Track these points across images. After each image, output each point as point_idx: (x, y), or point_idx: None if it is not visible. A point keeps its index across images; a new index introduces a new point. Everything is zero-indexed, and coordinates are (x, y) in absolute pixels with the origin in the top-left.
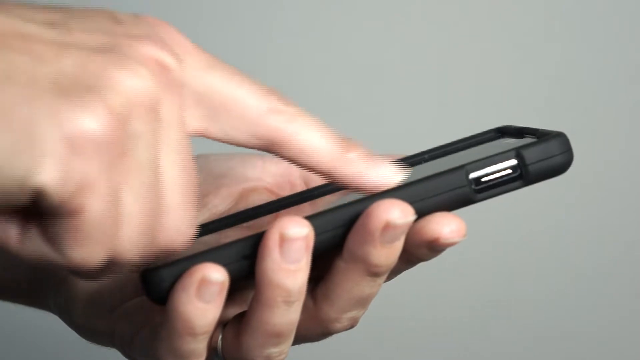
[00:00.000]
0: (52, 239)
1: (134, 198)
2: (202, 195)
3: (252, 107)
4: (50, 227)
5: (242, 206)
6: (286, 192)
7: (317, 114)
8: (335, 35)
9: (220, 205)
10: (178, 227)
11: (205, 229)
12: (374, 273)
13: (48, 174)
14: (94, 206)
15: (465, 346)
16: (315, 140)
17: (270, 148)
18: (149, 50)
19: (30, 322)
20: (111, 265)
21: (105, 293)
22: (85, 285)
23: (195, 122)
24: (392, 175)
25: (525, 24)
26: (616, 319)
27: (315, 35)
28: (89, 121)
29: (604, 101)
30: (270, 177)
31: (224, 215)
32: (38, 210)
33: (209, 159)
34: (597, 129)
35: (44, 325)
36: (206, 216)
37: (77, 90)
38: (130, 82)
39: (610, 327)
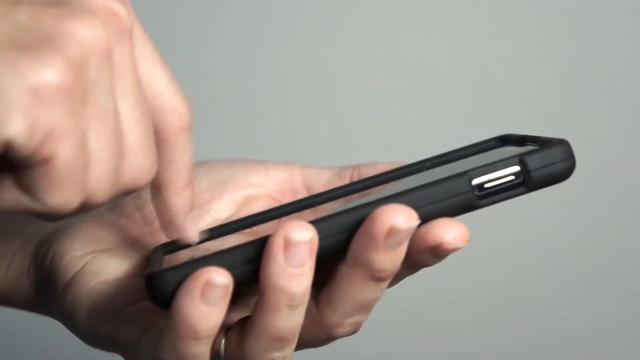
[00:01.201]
0: (27, 187)
1: (99, 141)
2: (205, 202)
3: (163, 98)
4: (24, 176)
5: (245, 212)
6: (288, 199)
7: (319, 122)
8: (337, 40)
9: (223, 211)
10: (142, 165)
11: (208, 235)
12: (377, 278)
13: (15, 126)
14: (63, 152)
15: (465, 346)
16: (179, 160)
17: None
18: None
19: (31, 325)
20: (83, 206)
21: (109, 298)
22: (87, 292)
23: None
24: (189, 234)
25: (530, 30)
26: (616, 319)
27: (316, 41)
28: (49, 72)
29: (607, 105)
30: (273, 183)
31: (226, 222)
32: (10, 162)
33: (211, 165)
34: (599, 133)
35: (45, 328)
36: (209, 222)
37: (33, 43)
38: (84, 32)
39: (610, 327)
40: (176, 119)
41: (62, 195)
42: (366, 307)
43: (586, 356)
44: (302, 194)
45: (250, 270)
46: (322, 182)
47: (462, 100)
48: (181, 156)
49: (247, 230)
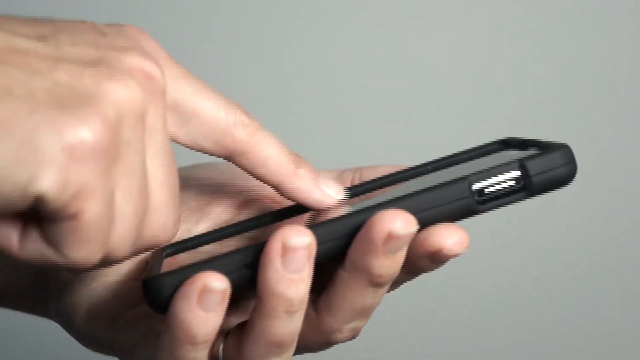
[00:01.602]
0: (52, 241)
1: (126, 199)
2: (204, 204)
3: (220, 118)
4: (51, 230)
5: (244, 215)
6: (288, 202)
7: (319, 123)
8: (337, 40)
9: (222, 214)
10: (164, 223)
11: (207, 238)
12: (376, 283)
13: (49, 181)
14: (91, 209)
15: (465, 347)
16: (272, 154)
17: (231, 157)
18: (135, 61)
19: (30, 325)
20: (104, 261)
21: (107, 302)
22: (86, 294)
23: (169, 127)
24: (335, 194)
25: (530, 30)
26: (616, 319)
27: (316, 41)
28: (86, 131)
29: (607, 105)
30: None
31: (225, 225)
32: (38, 215)
33: (211, 167)
34: (599, 133)
35: (44, 329)
36: (208, 225)
37: (72, 101)
38: (121, 93)
39: (610, 327)
40: (242, 130)
41: (85, 251)
42: (365, 313)
43: (586, 356)
44: None
45: (248, 275)
46: None
47: (463, 101)
48: (269, 151)
49: (247, 234)
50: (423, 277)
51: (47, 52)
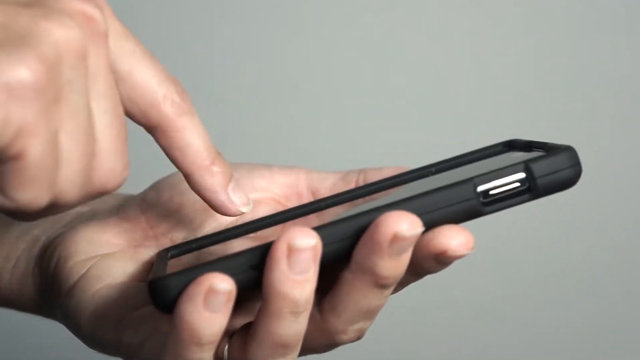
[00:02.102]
0: None
1: (70, 141)
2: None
3: (151, 88)
4: None
5: (249, 217)
6: (293, 203)
7: (323, 125)
8: (340, 42)
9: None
10: (112, 169)
11: (212, 239)
12: (381, 285)
13: None
14: (34, 148)
15: (464, 347)
16: (192, 142)
17: (152, 131)
18: (74, 2)
19: (33, 326)
20: (52, 206)
21: (112, 303)
22: (91, 296)
23: None
24: (240, 203)
25: (532, 30)
26: (616, 319)
27: (319, 43)
28: (23, 70)
29: (608, 105)
30: (278, 187)
31: (231, 226)
32: None
33: None
34: (600, 133)
35: (48, 329)
36: (213, 226)
37: (8, 41)
38: (59, 32)
39: (610, 327)
40: (170, 105)
41: (30, 192)
42: (370, 314)
43: (586, 356)
44: (307, 199)
45: (253, 276)
46: (328, 186)
47: (466, 101)
48: (191, 138)
49: (252, 235)
50: (428, 278)
51: None
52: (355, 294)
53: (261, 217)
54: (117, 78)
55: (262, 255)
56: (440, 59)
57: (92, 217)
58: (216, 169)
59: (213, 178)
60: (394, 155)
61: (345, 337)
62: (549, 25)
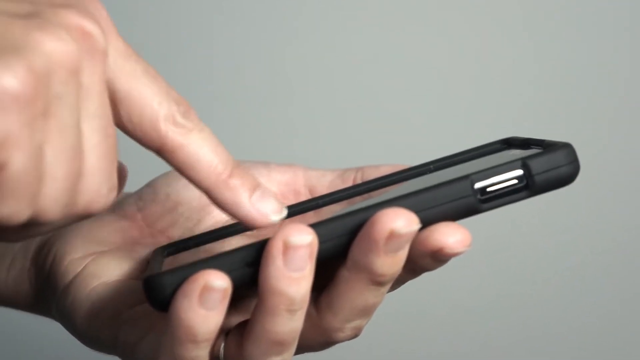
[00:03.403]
0: None
1: (56, 157)
2: (206, 203)
3: (150, 109)
4: None
5: None
6: (291, 201)
7: (322, 123)
8: (339, 41)
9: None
10: (98, 190)
11: (209, 237)
12: (377, 282)
13: None
14: (17, 160)
15: (463, 347)
16: (202, 158)
17: (159, 152)
18: (72, 17)
19: (30, 325)
20: (32, 224)
21: (108, 301)
22: (87, 294)
23: None
24: (270, 213)
25: (532, 30)
26: (616, 319)
27: (318, 41)
28: (10, 78)
29: (608, 105)
30: (276, 185)
31: (227, 224)
32: None
33: None
34: (600, 133)
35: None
36: (210, 224)
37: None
38: (51, 44)
39: (610, 327)
40: (171, 125)
41: (10, 206)
42: (367, 312)
43: (586, 356)
44: (304, 196)
45: (249, 273)
46: (325, 184)
47: (464, 100)
48: (199, 154)
49: (249, 233)
50: (425, 275)
51: None
52: (352, 292)
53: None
54: (116, 98)
55: (258, 253)
56: (439, 59)
57: None
58: (234, 181)
59: (232, 192)
60: (391, 154)
61: (342, 334)
62: (548, 25)
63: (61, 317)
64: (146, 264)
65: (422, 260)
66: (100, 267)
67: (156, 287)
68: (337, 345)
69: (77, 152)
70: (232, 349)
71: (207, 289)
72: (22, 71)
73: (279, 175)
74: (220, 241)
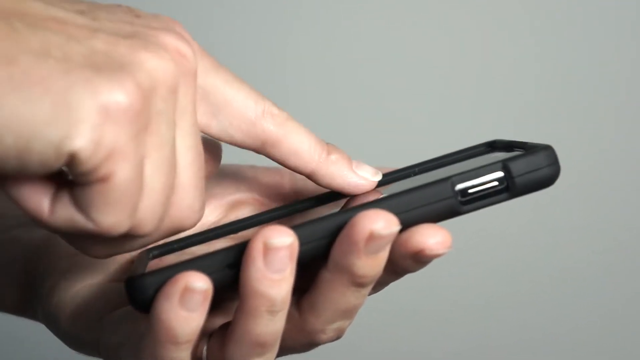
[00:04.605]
0: (82, 205)
1: (155, 171)
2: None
3: (250, 109)
4: (82, 193)
5: (232, 217)
6: (277, 204)
7: (321, 125)
8: (338, 41)
9: (210, 216)
10: (190, 205)
11: (194, 240)
12: (358, 284)
13: (82, 140)
14: (122, 172)
15: (462, 347)
16: (302, 143)
17: (262, 148)
18: (169, 39)
19: (31, 326)
20: (129, 236)
21: (91, 303)
22: (71, 295)
23: (199, 116)
24: (370, 176)
25: (531, 31)
26: (615, 319)
27: (315, 41)
28: (120, 93)
29: (607, 106)
30: (262, 188)
31: (212, 227)
32: (70, 178)
33: None
34: (600, 134)
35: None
36: (196, 227)
37: (108, 66)
38: (155, 63)
39: (609, 327)
40: (271, 118)
41: (113, 216)
42: (349, 313)
43: (585, 356)
44: (290, 199)
45: (230, 275)
46: (311, 187)
47: (462, 101)
48: (300, 140)
49: (233, 236)
50: (410, 276)
51: (85, 23)
52: (334, 293)
53: (244, 217)
54: (212, 110)
55: (238, 254)
56: (436, 58)
57: None
58: (334, 156)
59: (336, 166)
60: (392, 154)
61: (324, 336)
62: (550, 25)
63: (46, 320)
64: (130, 265)
65: (403, 262)
66: (85, 269)
67: (138, 288)
68: (320, 347)
69: (173, 167)
70: (215, 351)
71: (188, 291)
72: (131, 87)
73: (266, 178)
74: (206, 244)
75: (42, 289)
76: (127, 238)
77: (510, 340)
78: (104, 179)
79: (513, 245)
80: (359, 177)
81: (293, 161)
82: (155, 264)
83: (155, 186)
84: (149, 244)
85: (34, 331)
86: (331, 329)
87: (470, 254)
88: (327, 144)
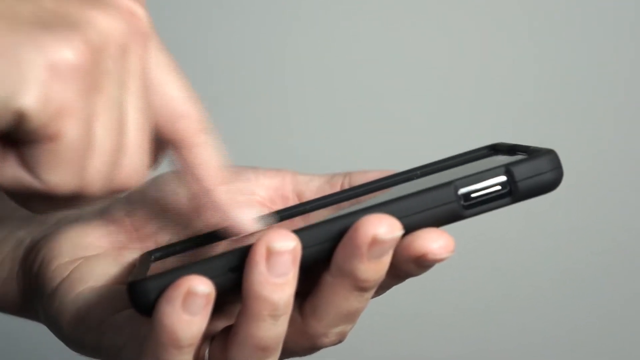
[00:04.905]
0: (29, 164)
1: (103, 130)
2: (195, 207)
3: (181, 103)
4: (29, 152)
5: None
6: (279, 206)
7: (319, 126)
8: (337, 42)
9: (212, 218)
10: (136, 166)
11: (197, 242)
12: (361, 288)
13: (30, 97)
14: (70, 131)
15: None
16: (207, 161)
17: (174, 144)
18: (123, 0)
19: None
20: (75, 196)
21: (93, 305)
22: (73, 298)
23: None
24: (248, 221)
25: (531, 32)
26: (615, 319)
27: (314, 42)
28: (69, 51)
29: (607, 107)
30: (263, 190)
31: (214, 229)
32: (17, 137)
33: None
34: (599, 135)
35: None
36: (198, 229)
37: (57, 24)
38: (106, 22)
39: (609, 327)
40: (192, 122)
41: (61, 175)
42: (351, 317)
43: (585, 357)
44: (292, 201)
45: (233, 279)
46: (313, 189)
47: (462, 102)
48: (207, 155)
49: (235, 238)
50: (411, 279)
51: None
52: (336, 297)
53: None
54: (149, 86)
55: (241, 258)
56: (435, 59)
57: (76, 219)
58: (224, 188)
59: (224, 196)
60: (392, 155)
61: (326, 340)
62: (549, 26)
63: (48, 321)
64: (132, 268)
65: (405, 266)
66: (87, 272)
67: (140, 292)
68: (322, 350)
69: (122, 128)
70: (217, 354)
71: (190, 295)
72: (80, 45)
73: (267, 180)
74: (208, 246)
75: (44, 292)
76: (72, 197)
77: (511, 343)
78: (52, 138)
79: (512, 247)
80: (238, 216)
81: (196, 172)
82: (157, 266)
83: (104, 146)
84: (93, 203)
85: (35, 332)
86: (333, 332)
87: (470, 257)
88: (231, 174)
